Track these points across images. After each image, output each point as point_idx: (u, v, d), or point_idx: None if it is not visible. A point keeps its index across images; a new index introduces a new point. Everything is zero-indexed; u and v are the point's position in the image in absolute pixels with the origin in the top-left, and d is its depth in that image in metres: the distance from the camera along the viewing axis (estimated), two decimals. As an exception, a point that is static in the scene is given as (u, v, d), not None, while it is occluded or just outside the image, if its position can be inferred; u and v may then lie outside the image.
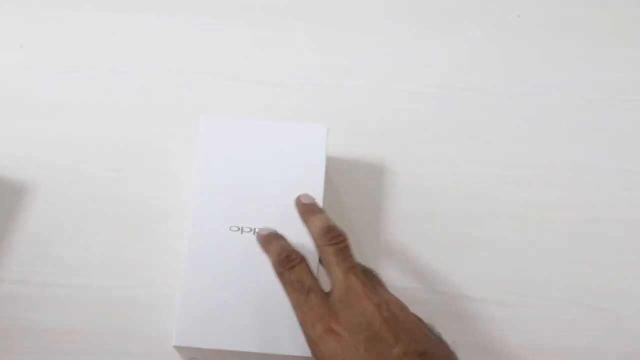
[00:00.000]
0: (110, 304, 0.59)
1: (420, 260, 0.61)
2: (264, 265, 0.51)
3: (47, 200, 0.61)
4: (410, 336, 0.42)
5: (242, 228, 0.53)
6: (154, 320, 0.58)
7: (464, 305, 0.60)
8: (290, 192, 0.54)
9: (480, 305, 0.60)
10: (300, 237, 0.52)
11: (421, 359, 0.40)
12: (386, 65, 0.68)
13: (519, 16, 0.70)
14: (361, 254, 0.61)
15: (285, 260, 0.46)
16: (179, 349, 0.52)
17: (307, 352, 0.47)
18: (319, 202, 0.53)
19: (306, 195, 0.50)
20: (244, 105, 0.65)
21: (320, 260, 0.49)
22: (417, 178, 0.63)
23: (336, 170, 0.63)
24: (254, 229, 0.53)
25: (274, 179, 0.55)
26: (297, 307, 0.44)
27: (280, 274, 0.46)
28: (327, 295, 0.45)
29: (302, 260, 0.46)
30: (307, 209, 0.49)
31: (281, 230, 0.52)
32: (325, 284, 0.47)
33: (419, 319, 0.46)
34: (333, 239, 0.45)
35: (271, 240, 0.48)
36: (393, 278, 0.60)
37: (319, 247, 0.47)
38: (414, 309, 0.47)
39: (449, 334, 0.48)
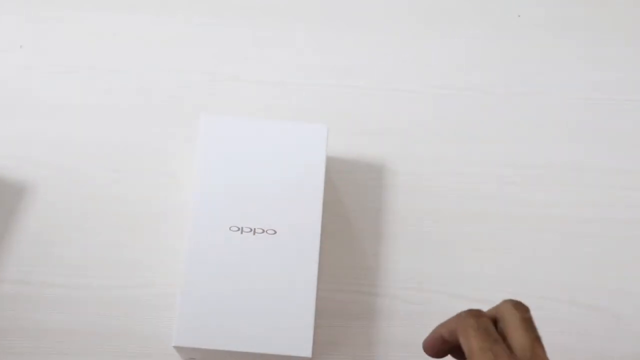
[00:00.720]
0: (110, 304, 0.59)
1: (420, 260, 0.61)
2: (263, 265, 0.51)
3: (47, 200, 0.61)
4: None
5: (242, 228, 0.53)
6: (154, 320, 0.58)
7: (464, 305, 0.60)
8: (290, 192, 0.54)
9: (480, 305, 0.60)
10: (300, 237, 0.52)
11: None
12: (386, 65, 0.68)
13: (519, 16, 0.70)
14: (361, 254, 0.61)
15: (473, 311, 0.46)
16: (179, 349, 0.52)
17: (306, 352, 0.47)
18: (319, 202, 0.54)
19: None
20: (244, 105, 0.65)
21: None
22: (417, 178, 0.63)
23: (336, 170, 0.63)
24: (254, 229, 0.53)
25: (274, 179, 0.55)
26: (481, 350, 0.44)
27: (463, 319, 0.45)
28: (511, 352, 0.45)
29: (489, 318, 0.46)
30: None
31: (280, 230, 0.52)
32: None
33: None
34: (521, 306, 0.46)
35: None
36: (393, 278, 0.60)
37: (503, 307, 0.46)
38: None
39: (449, 334, 0.48)
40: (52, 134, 0.63)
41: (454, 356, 0.47)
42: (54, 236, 0.60)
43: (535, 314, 0.59)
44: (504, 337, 0.45)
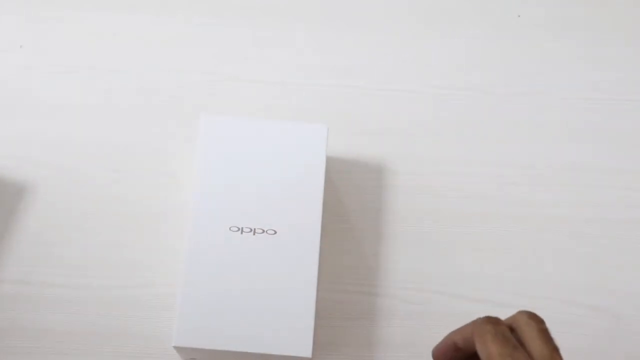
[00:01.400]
0: (110, 304, 0.59)
1: (420, 260, 0.61)
2: (263, 266, 0.51)
3: (47, 200, 0.61)
4: None
5: (242, 228, 0.53)
6: (154, 320, 0.58)
7: (464, 305, 0.60)
8: (290, 192, 0.54)
9: (480, 305, 0.60)
10: (300, 237, 0.52)
11: None
12: (386, 65, 0.68)
13: (519, 16, 0.70)
14: (361, 254, 0.61)
15: (491, 318, 0.46)
16: (179, 349, 0.52)
17: (306, 353, 0.47)
18: (319, 202, 0.54)
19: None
20: (244, 105, 0.65)
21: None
22: (417, 178, 0.64)
23: (336, 170, 0.63)
24: (254, 229, 0.53)
25: (274, 179, 0.55)
26: (501, 356, 0.43)
27: (480, 325, 0.45)
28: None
29: (506, 326, 0.46)
30: None
31: (280, 230, 0.52)
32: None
33: None
34: (536, 317, 0.46)
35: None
36: (393, 278, 0.60)
37: (519, 317, 0.47)
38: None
39: (449, 334, 0.48)
40: (52, 134, 0.63)
41: None
42: (54, 236, 0.60)
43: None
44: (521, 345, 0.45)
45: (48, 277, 0.59)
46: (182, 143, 0.63)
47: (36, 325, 0.58)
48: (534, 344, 0.45)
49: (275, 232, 0.53)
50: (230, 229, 0.53)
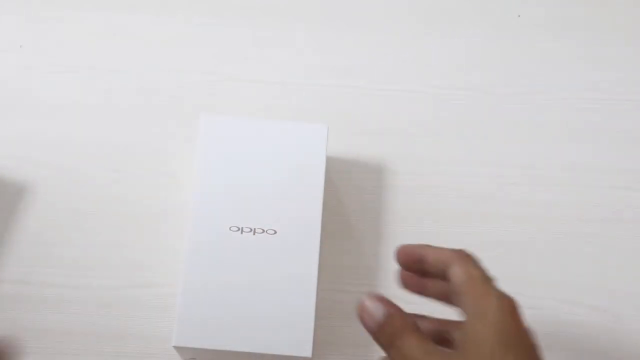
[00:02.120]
0: (110, 304, 0.59)
1: (420, 260, 0.61)
2: (263, 266, 0.51)
3: (47, 200, 0.61)
4: None
5: (242, 228, 0.53)
6: (154, 320, 0.58)
7: (464, 305, 0.60)
8: (290, 192, 0.54)
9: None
10: (300, 237, 0.52)
11: None
12: (386, 65, 0.68)
13: (519, 16, 0.70)
14: (361, 254, 0.61)
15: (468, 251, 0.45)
16: (179, 349, 0.52)
17: (306, 352, 0.47)
18: (319, 202, 0.54)
19: None
20: (244, 105, 0.65)
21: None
22: (417, 178, 0.63)
23: (336, 170, 0.63)
24: (254, 229, 0.53)
25: (274, 179, 0.55)
26: (484, 277, 0.42)
27: (459, 252, 0.44)
28: None
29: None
30: None
31: (280, 230, 0.52)
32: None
33: None
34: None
35: None
36: (393, 279, 0.60)
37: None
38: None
39: (449, 334, 0.48)
40: (52, 134, 0.63)
41: (417, 284, 0.47)
42: (54, 236, 0.60)
43: (535, 314, 0.60)
44: None
45: (48, 277, 0.59)
46: (182, 143, 0.63)
47: (36, 325, 0.58)
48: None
49: (275, 232, 0.53)
50: (230, 228, 0.53)
